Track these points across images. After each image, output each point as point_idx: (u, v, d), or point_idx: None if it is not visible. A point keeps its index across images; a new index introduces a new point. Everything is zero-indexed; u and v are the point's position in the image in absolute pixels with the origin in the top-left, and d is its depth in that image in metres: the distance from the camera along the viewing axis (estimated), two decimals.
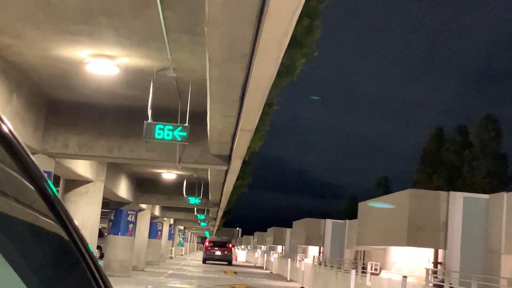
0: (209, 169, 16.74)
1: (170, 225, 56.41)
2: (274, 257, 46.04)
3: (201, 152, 13.09)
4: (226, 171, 15.39)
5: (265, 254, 50.59)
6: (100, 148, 13.00)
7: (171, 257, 57.70)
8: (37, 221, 1.34)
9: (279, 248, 48.51)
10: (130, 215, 28.10)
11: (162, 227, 43.76)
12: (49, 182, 1.28)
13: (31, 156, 1.23)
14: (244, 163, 24.80)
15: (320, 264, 28.59)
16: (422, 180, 45.26)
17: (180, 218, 45.94)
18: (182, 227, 75.97)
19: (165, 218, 47.29)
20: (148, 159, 13.23)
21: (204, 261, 49.63)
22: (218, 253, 49.21)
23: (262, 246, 63.71)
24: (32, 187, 1.25)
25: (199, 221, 51.05)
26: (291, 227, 40.58)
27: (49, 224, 1.31)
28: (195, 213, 40.72)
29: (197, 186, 26.63)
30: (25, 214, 1.32)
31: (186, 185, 25.46)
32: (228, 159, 13.18)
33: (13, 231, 1.29)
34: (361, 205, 21.87)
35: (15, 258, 1.26)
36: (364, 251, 28.13)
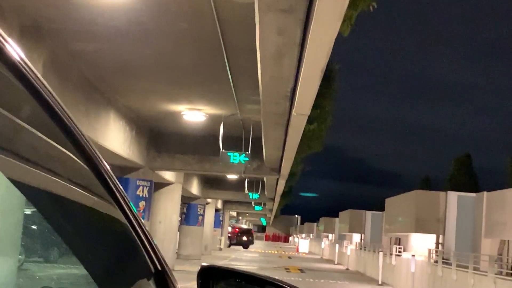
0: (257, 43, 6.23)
1: (217, 210, 46.40)
2: (350, 248, 35.36)
3: None
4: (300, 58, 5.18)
5: (337, 245, 39.88)
6: None
7: (220, 249, 47.72)
8: (93, 203, 1.32)
9: (355, 237, 37.80)
10: (141, 187, 18.03)
11: (204, 211, 33.66)
12: (103, 162, 1.24)
13: (82, 132, 1.17)
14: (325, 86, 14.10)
15: (442, 262, 17.86)
16: None
17: (228, 198, 35.62)
18: (234, 213, 65.95)
19: (208, 200, 37.22)
20: None
21: (229, 246, 56.96)
22: (244, 238, 59.10)
23: (330, 235, 53.01)
24: (86, 167, 1.20)
25: (253, 203, 40.71)
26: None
27: (106, 205, 1.29)
28: (246, 190, 30.40)
29: (244, 141, 16.30)
30: (81, 196, 1.29)
31: (223, 136, 15.16)
32: None
33: (70, 214, 1.30)
34: None
35: (74, 241, 1.31)
36: None
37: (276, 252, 56.93)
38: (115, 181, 1.26)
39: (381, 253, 23.56)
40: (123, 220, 1.28)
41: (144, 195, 18.08)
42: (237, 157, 15.14)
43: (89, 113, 12.18)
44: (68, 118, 1.10)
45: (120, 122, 14.61)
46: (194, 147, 18.10)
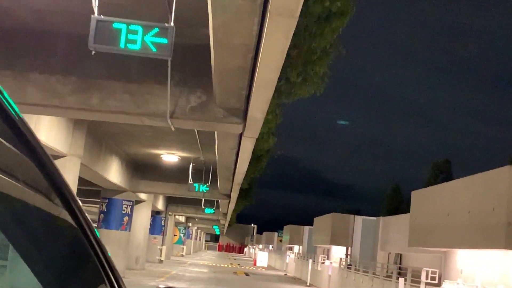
0: None
1: (158, 212, 36.84)
2: (330, 266, 26.23)
3: None
4: None
5: (310, 261, 30.63)
6: None
7: (161, 261, 38.09)
8: (42, 204, 1.22)
9: (336, 250, 28.77)
10: None
11: (131, 210, 24.09)
12: (51, 158, 1.14)
13: (30, 128, 1.08)
14: None
15: None
16: None
17: (167, 193, 26.03)
18: (182, 219, 56.26)
19: (142, 196, 27.66)
20: None
21: None
22: None
23: (296, 247, 43.97)
24: (34, 165, 1.11)
25: (202, 203, 31.15)
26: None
27: (54, 207, 1.20)
28: (190, 180, 20.96)
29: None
30: (31, 197, 1.18)
31: None
32: None
33: (18, 216, 1.19)
34: None
35: (22, 245, 1.19)
36: None
37: (230, 265, 47.50)
38: (64, 180, 1.17)
39: (401, 280, 14.44)
40: (73, 224, 1.19)
41: None
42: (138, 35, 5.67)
43: None
44: (14, 113, 1.02)
45: None
46: (63, 54, 8.67)
